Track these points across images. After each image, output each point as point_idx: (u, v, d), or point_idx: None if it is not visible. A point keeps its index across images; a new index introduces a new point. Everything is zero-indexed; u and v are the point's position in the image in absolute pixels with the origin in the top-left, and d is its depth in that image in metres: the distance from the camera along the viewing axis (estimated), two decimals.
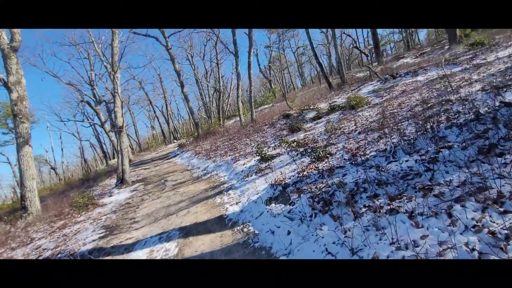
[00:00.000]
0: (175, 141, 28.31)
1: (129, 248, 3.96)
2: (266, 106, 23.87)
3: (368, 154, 3.77)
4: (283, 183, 3.98)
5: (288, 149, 5.87)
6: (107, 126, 19.27)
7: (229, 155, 8.58)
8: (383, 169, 3.05)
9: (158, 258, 3.38)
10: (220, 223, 3.84)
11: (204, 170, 8.42)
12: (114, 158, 23.38)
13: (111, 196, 9.11)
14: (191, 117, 19.61)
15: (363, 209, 2.41)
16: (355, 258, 2.01)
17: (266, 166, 5.57)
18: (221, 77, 25.85)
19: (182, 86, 18.05)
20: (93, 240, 4.81)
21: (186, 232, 3.86)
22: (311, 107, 10.60)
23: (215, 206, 4.60)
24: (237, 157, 7.76)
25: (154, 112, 35.94)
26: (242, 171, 6.12)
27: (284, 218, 3.01)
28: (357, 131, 5.30)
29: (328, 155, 4.45)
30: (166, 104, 33.86)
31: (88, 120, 27.02)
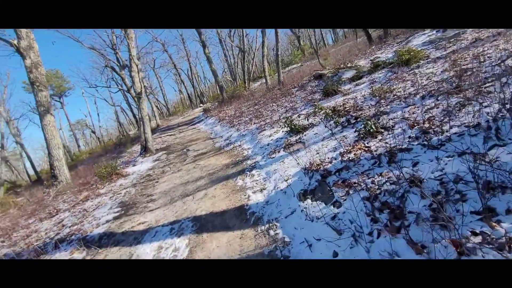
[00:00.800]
0: (201, 105, 27.77)
1: (138, 238, 3.45)
2: (294, 65, 21.77)
3: (447, 131, 2.62)
4: (321, 168, 3.00)
5: (325, 120, 4.78)
6: (133, 91, 18.99)
7: (254, 123, 7.68)
8: (484, 159, 1.95)
9: (166, 259, 2.79)
10: (241, 216, 3.10)
11: (226, 140, 7.70)
12: None
13: (134, 165, 8.91)
14: (215, 80, 18.51)
15: (473, 239, 1.42)
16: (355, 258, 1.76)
17: (296, 140, 4.60)
18: (246, 35, 23.68)
19: (204, 46, 16.78)
20: (107, 221, 4.44)
21: (201, 225, 3.20)
22: (349, 65, 9.02)
23: (235, 190, 3.86)
24: (263, 126, 6.84)
25: (179, 76, 35.22)
26: (268, 145, 5.24)
27: (326, 226, 2.12)
28: (419, 95, 4.01)
29: (382, 130, 3.34)
30: (191, 67, 32.74)
31: (117, 85, 27.07)
